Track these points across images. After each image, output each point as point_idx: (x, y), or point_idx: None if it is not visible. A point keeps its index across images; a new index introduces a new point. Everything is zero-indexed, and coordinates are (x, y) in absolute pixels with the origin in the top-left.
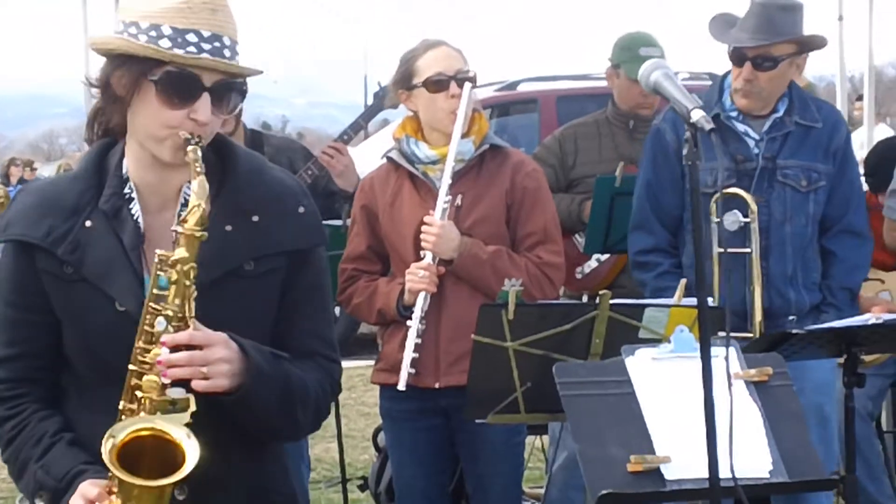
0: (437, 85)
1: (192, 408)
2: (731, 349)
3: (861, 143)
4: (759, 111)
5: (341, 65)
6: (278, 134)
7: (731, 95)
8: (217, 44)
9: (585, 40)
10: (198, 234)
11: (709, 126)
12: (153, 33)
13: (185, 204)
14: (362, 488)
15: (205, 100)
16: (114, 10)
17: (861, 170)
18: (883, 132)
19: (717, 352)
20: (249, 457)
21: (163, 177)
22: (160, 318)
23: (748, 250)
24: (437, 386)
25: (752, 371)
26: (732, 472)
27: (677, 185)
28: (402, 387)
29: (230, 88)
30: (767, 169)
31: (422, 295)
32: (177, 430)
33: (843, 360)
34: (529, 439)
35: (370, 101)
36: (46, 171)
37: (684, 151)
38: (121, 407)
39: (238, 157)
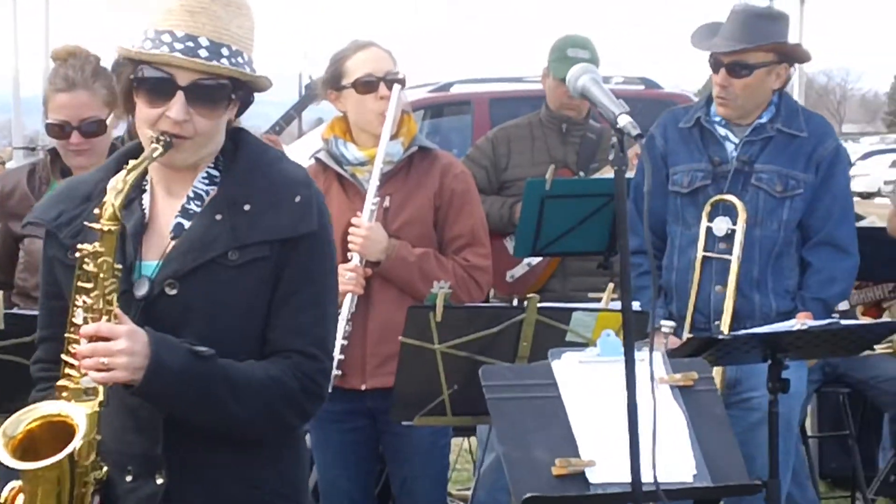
0: (366, 86)
1: (100, 397)
2: (657, 354)
3: None
4: (737, 119)
5: (277, 63)
6: None
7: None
8: (191, 43)
9: (521, 44)
10: (112, 227)
11: (635, 132)
12: (140, 37)
13: (195, 197)
14: None
15: (178, 98)
16: (44, 7)
17: None
18: None
19: (641, 356)
20: (234, 449)
21: (175, 172)
22: (79, 311)
23: (730, 257)
24: (363, 388)
25: (678, 375)
26: (655, 476)
27: (662, 187)
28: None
29: (211, 88)
30: (742, 172)
31: (348, 296)
32: (68, 408)
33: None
34: (457, 441)
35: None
36: None
37: (610, 156)
38: (56, 392)
39: (246, 149)
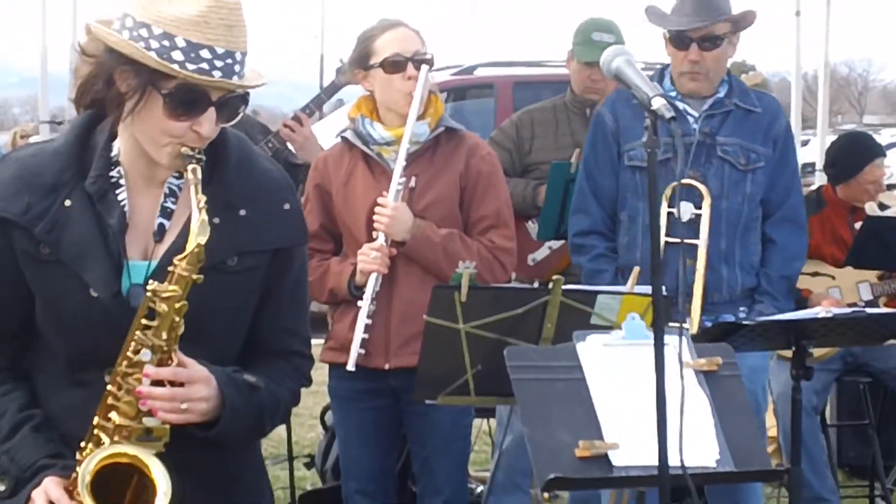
0: (394, 66)
1: (166, 438)
2: (683, 338)
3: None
4: (706, 92)
5: (296, 43)
6: None
7: (675, 80)
8: (229, 60)
9: (545, 27)
10: (194, 277)
11: (669, 114)
12: (166, 43)
13: (171, 195)
14: (308, 466)
15: (210, 114)
16: None
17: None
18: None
19: (668, 340)
20: (219, 445)
21: (153, 167)
22: (145, 350)
23: (697, 241)
24: (386, 367)
25: (702, 360)
26: (682, 460)
27: (614, 166)
28: (351, 367)
29: (234, 101)
30: (705, 144)
31: (373, 276)
32: (149, 459)
33: (791, 353)
34: (476, 422)
35: (325, 80)
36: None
37: (643, 138)
38: (95, 422)
39: (229, 147)
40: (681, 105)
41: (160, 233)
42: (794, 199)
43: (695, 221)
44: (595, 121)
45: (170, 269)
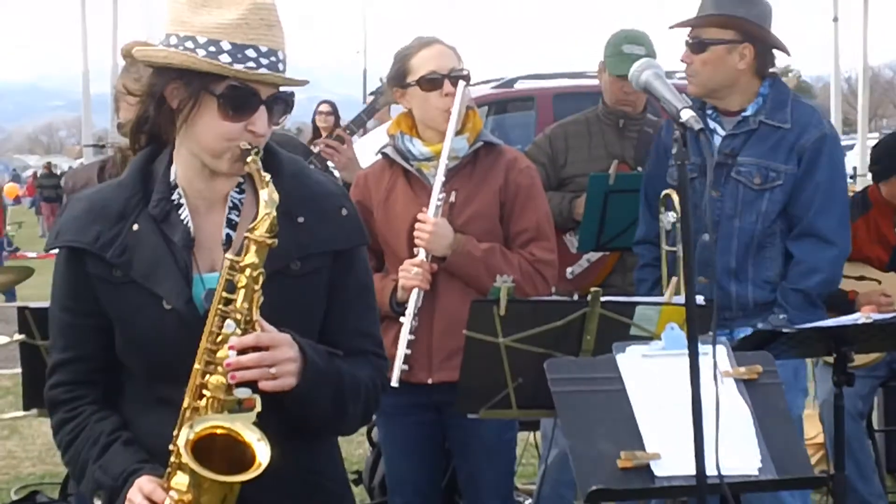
0: (430, 83)
1: (258, 408)
2: (720, 347)
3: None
4: (704, 97)
5: (340, 60)
6: (277, 130)
7: None
8: (273, 58)
9: (583, 38)
10: (269, 241)
11: (698, 126)
12: (212, 48)
13: (234, 208)
14: (356, 482)
15: (262, 113)
16: (113, 4)
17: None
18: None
19: (706, 349)
20: (302, 442)
21: (210, 184)
22: (229, 321)
23: (675, 248)
24: (429, 381)
25: (742, 369)
26: (718, 469)
27: (666, 178)
28: (394, 383)
29: (281, 101)
30: (726, 165)
31: (415, 291)
32: (249, 432)
33: (833, 359)
34: (524, 435)
35: (368, 96)
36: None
37: (673, 150)
38: (185, 405)
39: (282, 161)
40: (712, 124)
41: (227, 242)
42: (817, 212)
43: (676, 230)
44: (658, 135)
45: (245, 237)
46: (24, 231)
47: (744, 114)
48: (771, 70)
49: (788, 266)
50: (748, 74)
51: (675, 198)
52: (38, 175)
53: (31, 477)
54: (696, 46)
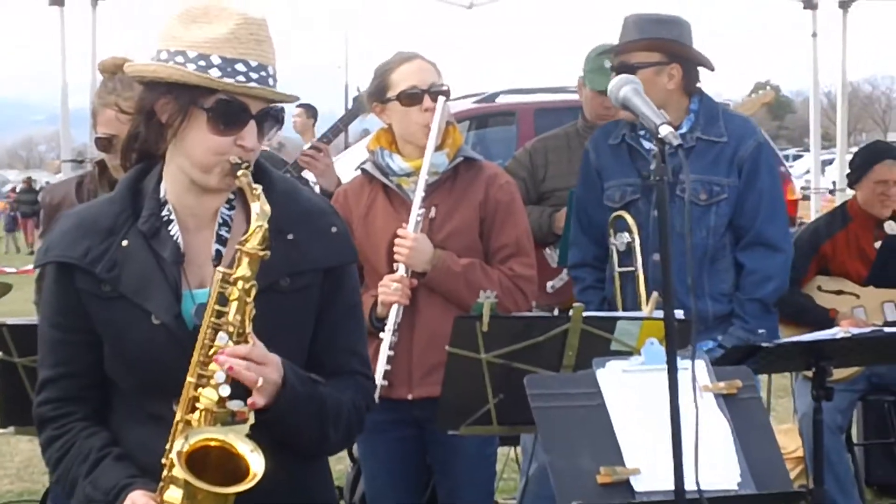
0: (410, 98)
1: (251, 420)
2: (699, 362)
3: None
4: (636, 119)
5: (322, 74)
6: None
7: None
8: (263, 73)
9: (564, 53)
10: (261, 253)
11: (676, 141)
12: (202, 62)
13: (224, 224)
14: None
15: (251, 127)
16: (91, 19)
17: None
18: None
19: (685, 364)
20: (294, 460)
21: (200, 200)
22: (222, 333)
23: (633, 268)
24: (409, 397)
25: (722, 384)
26: (698, 484)
27: (600, 200)
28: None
29: (271, 116)
30: (669, 184)
31: (395, 307)
32: (242, 444)
33: (812, 374)
34: (504, 450)
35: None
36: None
37: (651, 166)
38: (177, 418)
39: (273, 179)
40: (648, 145)
41: (217, 258)
42: (764, 220)
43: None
44: (583, 158)
45: (237, 249)
46: None
47: (679, 132)
48: (696, 85)
49: (740, 277)
50: (678, 93)
51: (629, 218)
52: (18, 190)
53: (9, 494)
54: (625, 71)
